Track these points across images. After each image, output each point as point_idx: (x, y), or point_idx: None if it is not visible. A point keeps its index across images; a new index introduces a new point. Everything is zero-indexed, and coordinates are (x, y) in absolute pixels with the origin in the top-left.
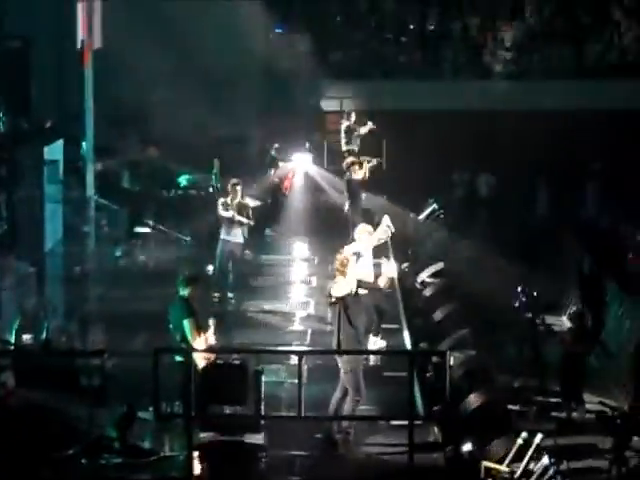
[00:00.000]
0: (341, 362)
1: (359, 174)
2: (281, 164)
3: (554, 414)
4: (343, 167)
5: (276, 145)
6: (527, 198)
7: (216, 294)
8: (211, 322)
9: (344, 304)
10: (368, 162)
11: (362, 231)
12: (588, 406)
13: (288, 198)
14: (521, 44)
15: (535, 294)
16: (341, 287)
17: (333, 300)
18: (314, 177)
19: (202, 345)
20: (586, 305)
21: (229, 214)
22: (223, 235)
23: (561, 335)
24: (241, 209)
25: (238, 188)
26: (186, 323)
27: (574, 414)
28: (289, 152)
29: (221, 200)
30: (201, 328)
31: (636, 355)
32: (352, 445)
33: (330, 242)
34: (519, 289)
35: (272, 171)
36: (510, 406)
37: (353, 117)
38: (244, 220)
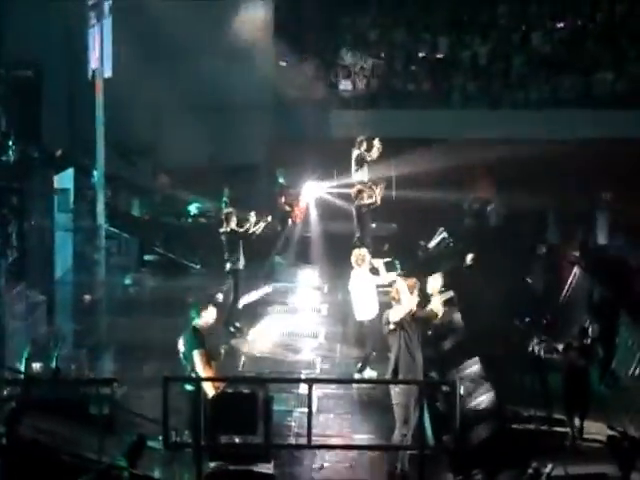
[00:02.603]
0: (393, 394)
1: (372, 199)
2: (290, 191)
3: (564, 443)
4: (352, 195)
5: (283, 172)
6: (537, 228)
7: (236, 324)
8: (222, 351)
9: (403, 331)
10: (376, 186)
11: (359, 256)
12: (598, 436)
13: (298, 226)
14: (531, 73)
15: (544, 322)
16: (398, 311)
17: (392, 327)
18: (323, 205)
19: (212, 375)
20: (597, 334)
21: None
22: (238, 265)
23: (565, 352)
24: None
25: (232, 217)
26: (196, 354)
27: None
28: (298, 180)
29: (222, 230)
30: (212, 358)
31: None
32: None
33: (340, 270)
34: (527, 318)
35: (281, 198)
36: (520, 435)
37: (364, 145)
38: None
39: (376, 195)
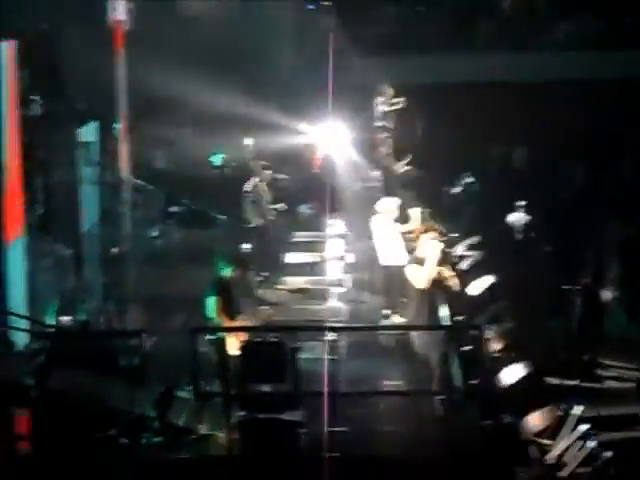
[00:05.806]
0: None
1: (395, 166)
2: (313, 141)
3: (594, 385)
4: (373, 143)
5: (307, 124)
6: (564, 171)
7: (263, 274)
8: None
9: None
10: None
11: (386, 207)
12: (626, 375)
13: (320, 175)
14: (555, 15)
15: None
16: (418, 279)
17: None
18: (347, 154)
19: (237, 324)
20: (629, 275)
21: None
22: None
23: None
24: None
25: (267, 172)
26: (210, 300)
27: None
28: (320, 129)
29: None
30: (231, 307)
31: None
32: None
33: (365, 218)
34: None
35: (305, 149)
36: (549, 378)
37: (388, 93)
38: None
39: (401, 166)
